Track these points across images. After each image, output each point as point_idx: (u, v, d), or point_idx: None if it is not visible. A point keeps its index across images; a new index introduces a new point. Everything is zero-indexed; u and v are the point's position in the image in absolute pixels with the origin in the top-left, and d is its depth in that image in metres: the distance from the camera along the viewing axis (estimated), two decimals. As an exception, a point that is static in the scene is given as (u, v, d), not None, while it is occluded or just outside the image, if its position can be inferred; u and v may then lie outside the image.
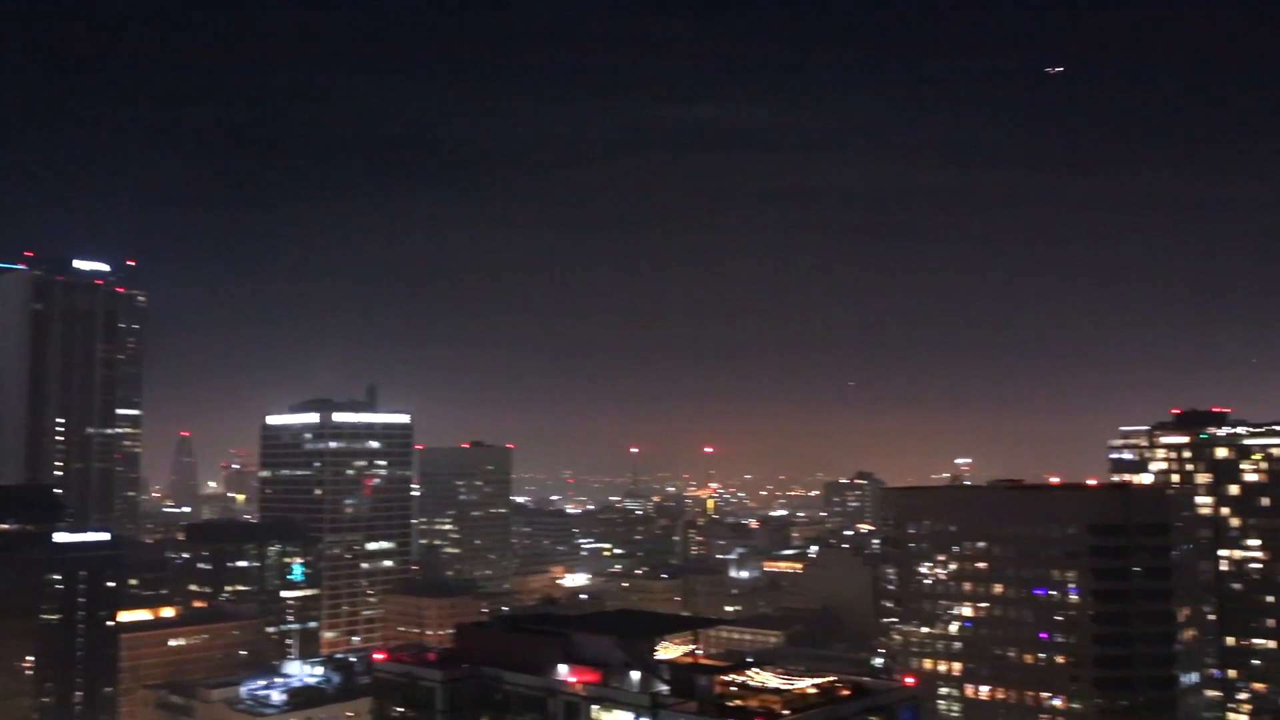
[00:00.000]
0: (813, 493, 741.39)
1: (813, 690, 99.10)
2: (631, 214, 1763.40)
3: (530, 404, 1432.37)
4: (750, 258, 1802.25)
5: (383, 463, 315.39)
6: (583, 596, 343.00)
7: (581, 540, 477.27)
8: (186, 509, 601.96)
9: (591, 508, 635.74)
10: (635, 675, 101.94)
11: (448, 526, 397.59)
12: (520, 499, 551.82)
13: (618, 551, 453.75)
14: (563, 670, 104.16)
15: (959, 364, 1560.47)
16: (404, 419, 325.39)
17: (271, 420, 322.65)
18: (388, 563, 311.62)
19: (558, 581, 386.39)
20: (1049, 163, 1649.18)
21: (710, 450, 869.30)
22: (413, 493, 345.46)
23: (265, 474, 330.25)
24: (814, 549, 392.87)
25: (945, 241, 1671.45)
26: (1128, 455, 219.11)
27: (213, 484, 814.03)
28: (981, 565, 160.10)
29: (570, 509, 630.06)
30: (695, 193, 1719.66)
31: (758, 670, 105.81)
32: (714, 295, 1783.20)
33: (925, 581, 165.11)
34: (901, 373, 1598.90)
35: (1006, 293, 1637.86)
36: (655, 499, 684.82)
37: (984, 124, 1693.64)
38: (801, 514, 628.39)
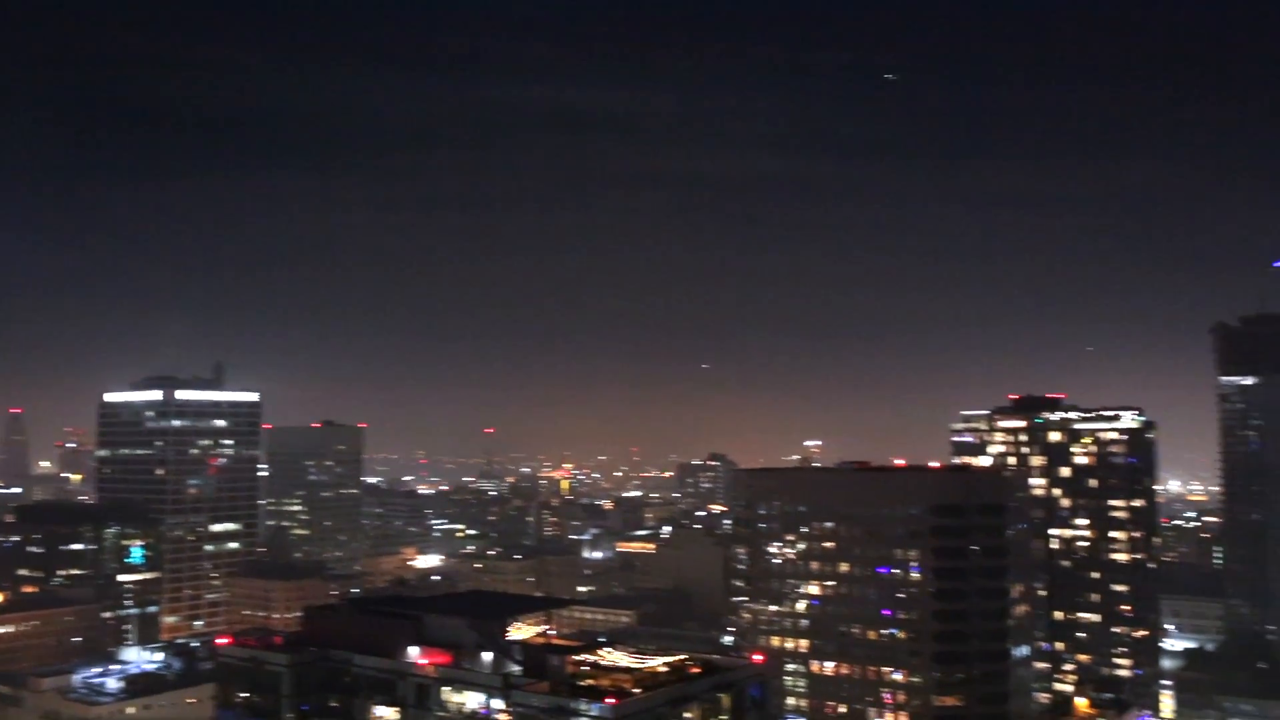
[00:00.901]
0: (666, 474, 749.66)
1: (664, 668, 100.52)
2: (487, 194, 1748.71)
3: (383, 384, 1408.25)
4: (607, 240, 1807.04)
5: (229, 442, 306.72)
6: (435, 578, 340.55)
7: (434, 521, 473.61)
8: (17, 490, 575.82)
9: (445, 488, 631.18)
10: (487, 656, 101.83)
11: (297, 507, 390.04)
12: (372, 479, 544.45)
13: (471, 532, 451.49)
14: (414, 652, 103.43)
15: (810, 348, 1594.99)
16: (252, 397, 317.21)
17: (110, 397, 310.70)
18: (233, 545, 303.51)
19: (410, 563, 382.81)
20: (895, 153, 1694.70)
21: (564, 430, 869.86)
22: (260, 473, 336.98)
23: (103, 453, 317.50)
24: (667, 529, 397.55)
25: (802, 227, 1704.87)
26: (968, 438, 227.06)
27: (46, 463, 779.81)
28: (829, 545, 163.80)
29: (423, 489, 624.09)
30: (551, 174, 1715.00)
31: (610, 650, 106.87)
32: (570, 277, 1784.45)
33: (775, 561, 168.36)
34: (754, 357, 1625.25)
35: (856, 280, 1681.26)
36: (509, 479, 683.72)
37: (835, 114, 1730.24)
38: (655, 495, 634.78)
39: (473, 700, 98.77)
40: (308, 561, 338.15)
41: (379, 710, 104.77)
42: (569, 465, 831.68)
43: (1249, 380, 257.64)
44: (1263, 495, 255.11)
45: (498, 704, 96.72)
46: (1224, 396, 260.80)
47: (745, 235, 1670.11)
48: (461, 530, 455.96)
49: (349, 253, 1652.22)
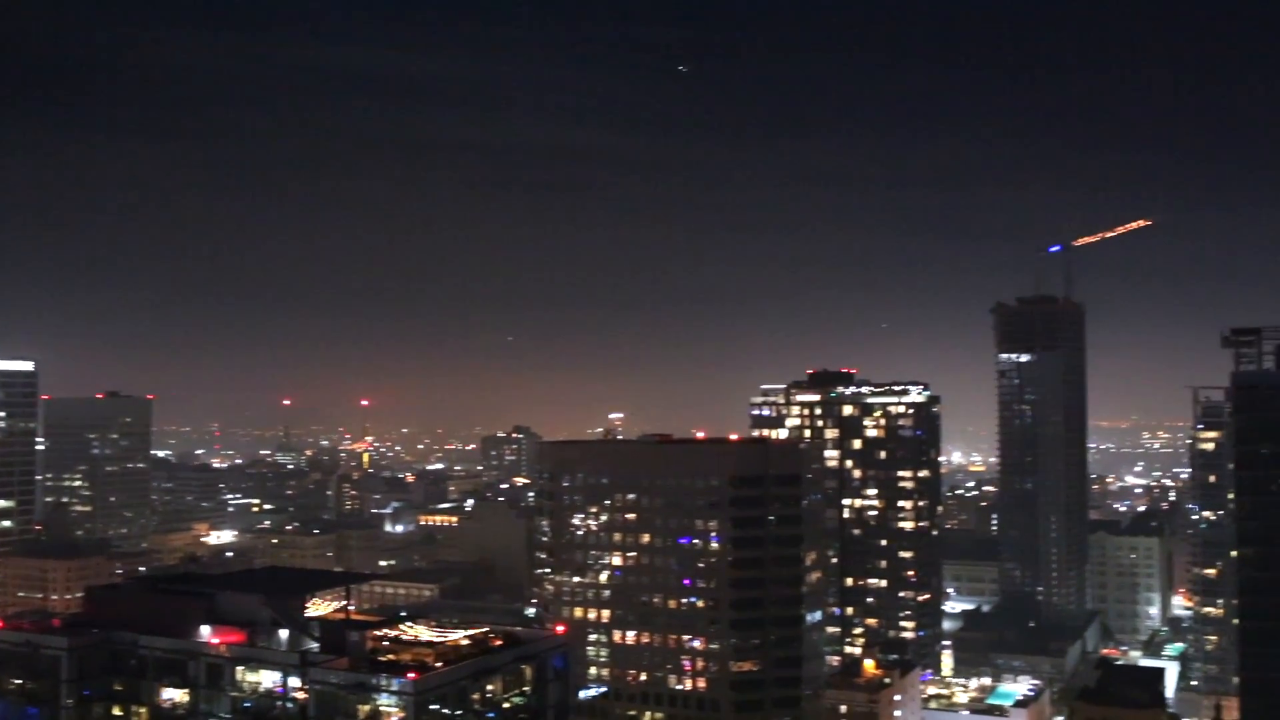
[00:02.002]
0: (470, 446, 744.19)
1: (465, 642, 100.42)
2: (285, 160, 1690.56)
3: (173, 353, 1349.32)
4: (410, 211, 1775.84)
5: (1, 414, 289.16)
6: (229, 554, 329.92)
7: (228, 496, 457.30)
8: None
9: (240, 462, 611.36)
10: (284, 634, 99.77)
11: (78, 483, 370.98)
12: (161, 453, 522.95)
13: (268, 507, 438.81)
14: (205, 631, 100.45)
15: (613, 322, 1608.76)
16: (26, 366, 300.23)
17: None
18: (6, 523, 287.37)
19: (202, 539, 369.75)
20: (699, 129, 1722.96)
21: (366, 403, 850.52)
22: (37, 447, 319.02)
23: None
24: (470, 502, 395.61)
25: (606, 201, 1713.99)
26: (767, 411, 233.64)
27: None
28: (631, 516, 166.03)
29: (216, 463, 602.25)
30: (353, 141, 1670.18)
31: (411, 624, 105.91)
32: (373, 247, 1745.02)
33: (578, 533, 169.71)
34: (558, 330, 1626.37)
35: (658, 254, 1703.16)
36: (308, 453, 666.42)
37: (639, 89, 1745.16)
38: (459, 468, 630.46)
39: (268, 679, 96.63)
40: (90, 540, 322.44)
41: (168, 692, 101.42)
42: (370, 438, 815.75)
43: (1024, 357, 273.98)
44: (1034, 466, 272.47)
45: (294, 682, 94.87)
46: (1002, 372, 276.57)
47: (551, 208, 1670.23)
48: (258, 505, 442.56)
49: (135, 215, 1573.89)
